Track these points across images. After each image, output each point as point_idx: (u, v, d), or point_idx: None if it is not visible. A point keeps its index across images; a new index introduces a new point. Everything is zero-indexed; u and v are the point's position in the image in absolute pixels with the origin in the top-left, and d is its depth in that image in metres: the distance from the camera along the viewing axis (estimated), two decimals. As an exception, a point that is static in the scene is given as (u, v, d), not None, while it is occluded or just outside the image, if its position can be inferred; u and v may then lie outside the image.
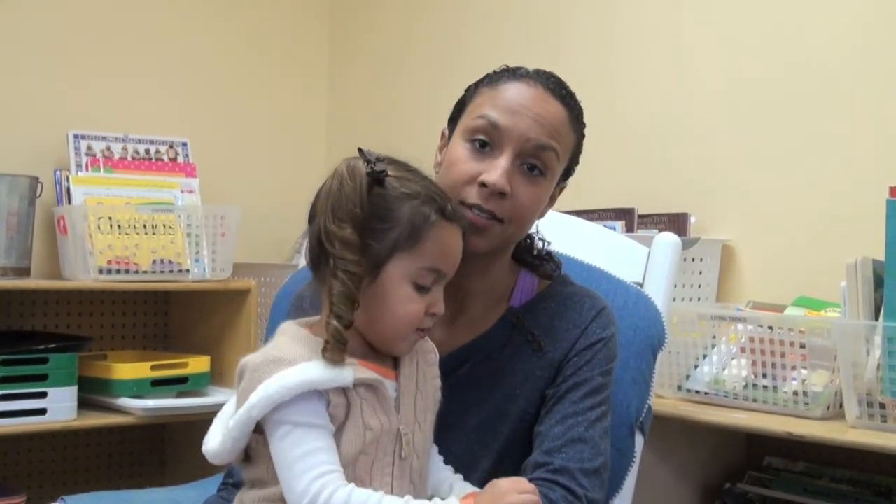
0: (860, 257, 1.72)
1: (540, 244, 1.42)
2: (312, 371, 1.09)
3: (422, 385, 1.21)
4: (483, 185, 1.26)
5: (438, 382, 1.24)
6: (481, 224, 1.26)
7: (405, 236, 1.13)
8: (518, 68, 1.35)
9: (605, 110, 2.42)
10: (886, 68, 2.02)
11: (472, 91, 1.36)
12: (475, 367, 1.32)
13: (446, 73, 2.91)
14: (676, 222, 2.23)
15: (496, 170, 1.26)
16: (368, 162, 1.14)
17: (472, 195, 1.26)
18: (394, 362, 1.20)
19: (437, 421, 1.27)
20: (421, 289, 1.14)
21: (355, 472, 1.12)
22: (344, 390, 1.11)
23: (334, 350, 1.10)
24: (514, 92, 1.30)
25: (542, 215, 1.37)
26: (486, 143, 1.28)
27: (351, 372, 1.11)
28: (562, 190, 1.39)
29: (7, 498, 2.40)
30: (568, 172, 1.37)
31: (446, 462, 1.28)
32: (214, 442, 1.16)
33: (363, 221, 1.11)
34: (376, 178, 1.14)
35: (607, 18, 2.53)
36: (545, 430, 1.27)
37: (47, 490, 2.62)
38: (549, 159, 1.29)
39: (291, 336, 1.16)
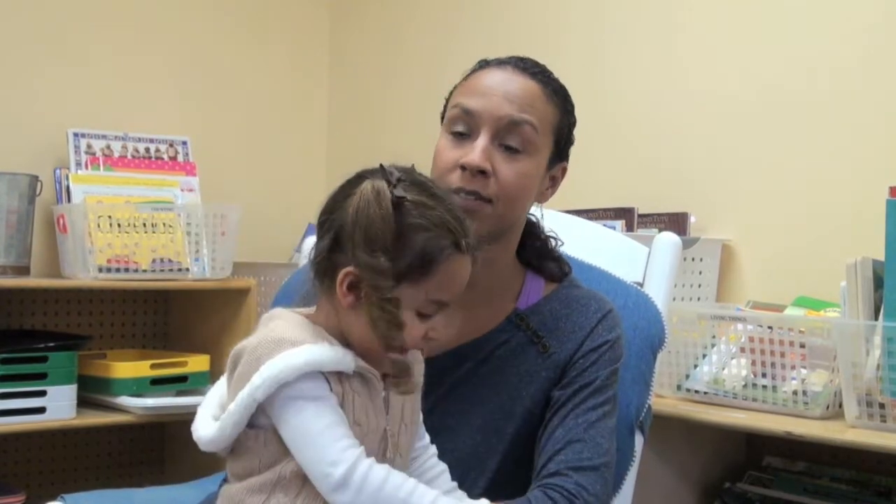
0: (860, 257, 1.72)
1: (552, 243, 1.42)
2: (318, 352, 1.08)
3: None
4: (464, 168, 1.28)
5: (421, 378, 1.23)
6: (471, 206, 1.26)
7: (416, 267, 1.10)
8: (492, 59, 1.37)
9: (604, 110, 2.42)
10: (887, 68, 2.02)
11: (453, 89, 1.38)
12: (477, 366, 1.32)
13: (446, 73, 2.89)
14: (676, 222, 2.23)
15: (473, 150, 1.28)
16: (389, 183, 1.11)
17: (456, 179, 1.28)
18: None
19: (438, 420, 1.28)
20: (424, 316, 1.12)
21: None
22: (340, 380, 1.10)
23: (402, 379, 1.13)
24: (485, 77, 1.33)
25: (543, 197, 1.38)
26: (463, 132, 1.30)
27: (352, 358, 1.11)
28: (564, 171, 1.39)
29: (6, 496, 2.40)
30: (562, 152, 1.37)
31: (451, 461, 1.27)
32: (210, 429, 1.14)
33: (392, 246, 1.09)
34: (395, 204, 1.10)
35: (606, 17, 2.52)
36: (548, 434, 1.27)
37: (46, 489, 2.61)
38: (526, 133, 1.30)
39: (288, 320, 1.15)
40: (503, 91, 1.30)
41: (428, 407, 1.29)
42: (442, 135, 1.34)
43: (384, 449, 1.15)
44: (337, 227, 1.12)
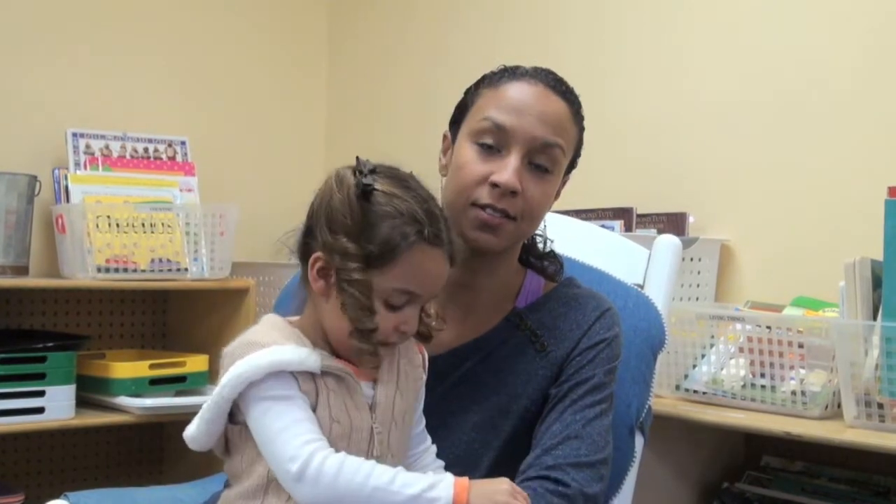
0: (858, 257, 1.72)
1: (544, 243, 1.43)
2: (282, 352, 1.11)
3: (403, 385, 1.21)
4: (495, 185, 1.28)
5: (422, 382, 1.24)
6: (495, 223, 1.28)
7: (381, 254, 1.12)
8: (517, 67, 1.36)
9: (603, 109, 2.42)
10: (885, 68, 2.03)
11: (472, 93, 1.37)
12: (476, 366, 1.33)
13: (445, 73, 2.91)
14: (675, 222, 2.23)
15: (507, 170, 1.28)
16: (360, 173, 1.14)
17: (484, 195, 1.28)
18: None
19: (437, 419, 1.28)
20: (392, 307, 1.14)
21: None
22: (313, 378, 1.12)
23: (368, 360, 1.13)
24: (517, 91, 1.32)
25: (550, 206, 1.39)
26: (492, 145, 1.30)
27: (318, 358, 1.12)
28: (565, 183, 1.41)
29: (5, 497, 2.40)
30: (571, 166, 1.39)
31: (447, 459, 1.28)
32: (192, 426, 1.18)
33: (357, 230, 1.12)
34: (363, 192, 1.13)
35: (605, 17, 2.53)
36: (544, 428, 1.28)
37: (45, 489, 2.61)
38: (556, 156, 1.31)
39: (268, 324, 1.18)
40: (538, 111, 1.30)
41: (428, 406, 1.29)
42: (465, 144, 1.32)
43: (371, 448, 1.15)
44: (308, 214, 1.17)
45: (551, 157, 1.31)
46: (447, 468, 1.27)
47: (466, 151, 1.31)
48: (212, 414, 1.14)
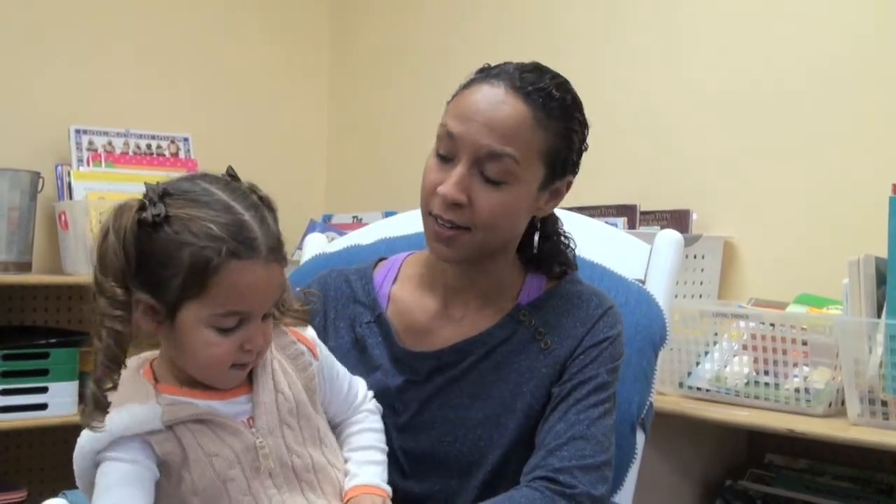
0: (862, 254, 1.72)
1: (557, 243, 1.39)
2: (119, 419, 1.07)
3: (282, 385, 1.18)
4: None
5: (313, 367, 1.21)
6: (445, 234, 1.25)
7: (189, 284, 1.06)
8: (491, 68, 1.29)
9: (606, 107, 2.42)
10: (888, 65, 2.02)
11: (452, 97, 1.32)
12: (478, 362, 1.32)
13: (446, 72, 2.90)
14: (678, 219, 2.23)
15: (448, 180, 1.24)
16: (150, 202, 1.07)
17: (436, 206, 1.25)
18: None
19: (437, 412, 1.28)
20: (224, 331, 1.09)
21: (232, 498, 1.10)
22: (171, 428, 1.09)
23: (92, 415, 1.06)
24: (472, 97, 1.25)
25: (541, 211, 1.34)
26: (446, 155, 1.26)
27: (158, 415, 1.08)
28: (569, 185, 1.34)
29: (8, 493, 2.40)
30: (562, 170, 1.30)
31: (451, 454, 1.28)
32: None
33: (132, 273, 1.05)
34: (153, 223, 1.06)
35: (607, 14, 2.52)
36: (548, 428, 1.27)
37: (48, 485, 2.61)
38: (506, 166, 1.23)
39: (124, 377, 1.11)
40: (486, 118, 1.23)
41: (425, 396, 1.30)
42: (432, 152, 1.29)
43: (256, 463, 1.12)
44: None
45: (502, 167, 1.23)
46: (451, 464, 1.28)
47: (429, 161, 1.28)
48: (82, 485, 1.14)
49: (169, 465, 1.09)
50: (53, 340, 2.36)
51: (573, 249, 1.41)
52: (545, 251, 1.38)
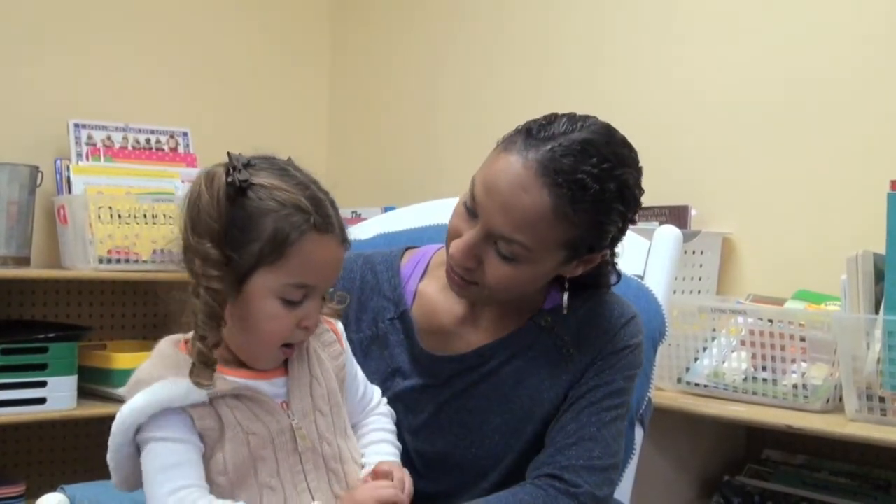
0: (861, 251, 1.72)
1: (605, 273, 1.33)
2: (162, 390, 1.07)
3: (316, 370, 1.18)
4: None
5: (343, 357, 1.22)
6: (455, 281, 1.25)
7: (268, 251, 1.07)
8: (538, 129, 1.21)
9: (604, 102, 2.41)
10: (887, 62, 2.02)
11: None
12: (500, 366, 1.31)
13: (446, 72, 2.90)
14: (677, 215, 2.23)
15: (460, 242, 1.22)
16: (234, 169, 1.09)
17: (452, 251, 1.24)
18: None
19: (454, 415, 1.28)
20: (290, 303, 1.09)
21: (260, 480, 1.10)
22: (212, 403, 1.09)
23: (201, 373, 1.06)
24: (501, 166, 1.20)
25: (572, 274, 1.28)
26: (471, 209, 1.23)
27: (200, 390, 1.08)
28: (604, 258, 1.28)
29: (6, 487, 2.40)
30: (591, 250, 1.25)
31: (468, 458, 1.28)
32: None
33: (224, 235, 1.07)
34: (238, 189, 1.08)
35: (606, 11, 2.52)
36: (560, 427, 1.27)
37: (47, 479, 2.62)
38: (516, 251, 1.20)
39: (160, 355, 1.13)
40: (503, 200, 1.18)
41: (443, 400, 1.29)
42: (464, 194, 1.25)
43: (294, 444, 1.13)
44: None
45: (513, 250, 1.19)
46: (467, 467, 1.28)
47: (459, 203, 1.26)
48: (113, 460, 1.12)
49: (204, 442, 1.10)
50: (52, 335, 2.36)
51: (616, 272, 1.35)
52: (579, 282, 1.33)
